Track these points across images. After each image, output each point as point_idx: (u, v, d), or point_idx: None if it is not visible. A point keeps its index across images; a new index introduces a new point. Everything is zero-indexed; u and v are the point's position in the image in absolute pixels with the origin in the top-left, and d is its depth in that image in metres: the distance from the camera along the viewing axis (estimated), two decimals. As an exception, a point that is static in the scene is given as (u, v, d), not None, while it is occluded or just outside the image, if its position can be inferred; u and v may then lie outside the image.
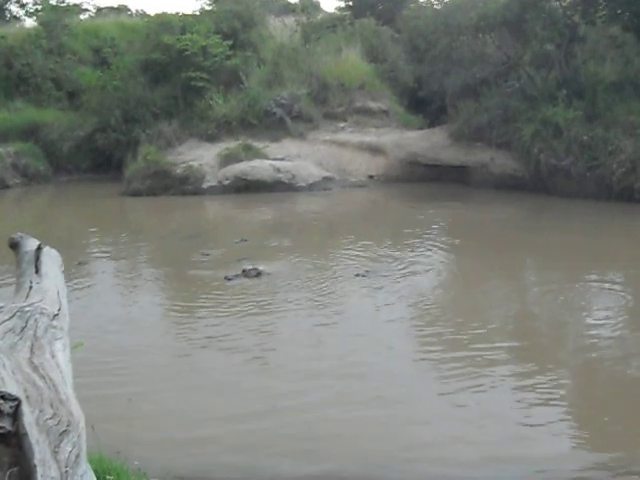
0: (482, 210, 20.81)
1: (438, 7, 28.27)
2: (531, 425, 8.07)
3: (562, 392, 9.03)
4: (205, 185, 23.70)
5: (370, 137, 25.57)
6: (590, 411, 8.72)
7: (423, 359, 10.07)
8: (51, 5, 33.04)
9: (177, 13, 28.98)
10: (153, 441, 7.83)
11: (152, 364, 10.07)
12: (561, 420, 8.33)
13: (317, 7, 38.69)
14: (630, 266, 14.83)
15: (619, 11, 22.59)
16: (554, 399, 8.75)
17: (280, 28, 30.59)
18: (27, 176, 26.30)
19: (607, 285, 13.46)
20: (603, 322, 11.43)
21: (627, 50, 21.83)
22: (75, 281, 13.79)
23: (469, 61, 23.86)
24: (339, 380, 9.28)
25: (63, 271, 3.71)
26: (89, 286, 13.99)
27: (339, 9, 36.92)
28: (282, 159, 24.35)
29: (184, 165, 24.10)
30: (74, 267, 14.85)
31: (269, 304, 12.58)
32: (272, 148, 24.75)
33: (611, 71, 21.50)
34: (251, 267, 14.15)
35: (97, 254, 17.13)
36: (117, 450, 6.52)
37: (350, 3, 36.14)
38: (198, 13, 30.89)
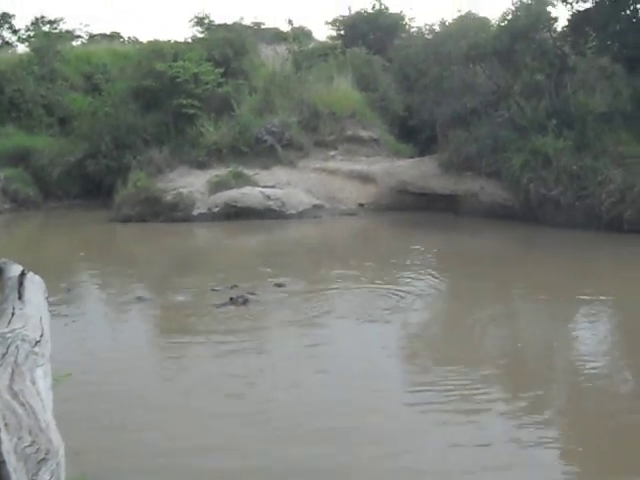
0: (472, 239, 20.89)
1: (429, 36, 28.40)
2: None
3: (554, 431, 8.98)
4: (195, 212, 23.68)
5: (360, 165, 25.63)
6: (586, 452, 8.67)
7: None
8: (44, 32, 33.20)
9: (169, 40, 29.09)
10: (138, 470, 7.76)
11: (139, 391, 10.00)
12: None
13: (309, 36, 38.90)
14: (618, 295, 14.84)
15: (609, 42, 22.78)
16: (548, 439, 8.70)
17: (272, 56, 30.73)
18: (17, 201, 26.26)
19: (596, 314, 13.48)
20: (593, 352, 11.44)
21: (616, 81, 21.97)
22: (62, 307, 13.73)
23: (459, 90, 23.95)
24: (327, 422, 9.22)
25: (47, 297, 3.68)
26: (77, 313, 13.91)
27: (331, 38, 37.15)
28: (272, 187, 24.37)
29: (174, 192, 24.09)
30: (62, 293, 14.81)
31: (256, 331, 12.56)
32: (262, 175, 24.77)
33: (601, 102, 21.58)
34: (239, 295, 14.11)
35: (85, 280, 17.09)
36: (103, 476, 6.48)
37: (342, 32, 36.36)
38: (190, 40, 31.05)
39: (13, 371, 2.61)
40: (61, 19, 38.53)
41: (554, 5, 23.94)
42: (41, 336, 3.03)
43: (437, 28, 28.02)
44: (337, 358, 11.10)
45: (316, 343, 11.91)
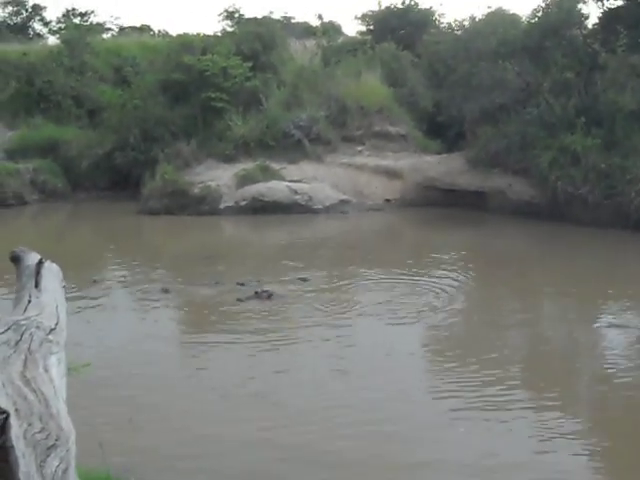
0: (499, 237, 20.78)
1: (459, 32, 28.29)
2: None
3: (579, 427, 8.94)
4: (222, 205, 23.74)
5: (387, 161, 25.57)
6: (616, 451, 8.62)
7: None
8: (74, 24, 33.38)
9: (198, 34, 29.13)
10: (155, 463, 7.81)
11: (159, 383, 10.06)
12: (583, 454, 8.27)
13: (339, 30, 38.82)
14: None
15: (634, 39, 22.53)
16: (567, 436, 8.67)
17: (300, 50, 30.72)
18: (45, 193, 26.40)
19: (622, 316, 13.40)
20: (619, 355, 11.39)
21: (646, 79, 21.75)
22: (89, 299, 13.83)
23: (488, 87, 23.79)
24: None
25: (64, 286, 3.70)
26: (102, 304, 14.01)
27: (360, 33, 37.03)
28: (299, 181, 24.39)
29: (201, 185, 24.17)
30: (89, 284, 14.92)
31: (279, 327, 12.59)
32: (289, 170, 24.78)
33: (631, 100, 21.35)
34: (263, 289, 14.14)
35: (112, 272, 17.18)
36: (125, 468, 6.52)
37: (371, 27, 36.24)
38: (219, 34, 31.11)
39: (26, 358, 2.63)
40: (92, 12, 38.86)
41: (585, 2, 23.78)
42: (56, 324, 3.05)
43: (467, 24, 27.95)
44: (360, 357, 11.08)
45: (339, 341, 11.90)
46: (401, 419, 8.87)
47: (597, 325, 13.26)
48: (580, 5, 23.69)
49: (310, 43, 31.59)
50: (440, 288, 14.84)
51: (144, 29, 41.73)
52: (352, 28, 41.18)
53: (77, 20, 34.18)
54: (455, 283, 15.37)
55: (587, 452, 8.31)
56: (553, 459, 7.96)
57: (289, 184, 24.09)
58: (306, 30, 36.89)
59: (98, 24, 37.86)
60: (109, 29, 40.45)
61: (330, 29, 34.80)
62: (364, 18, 37.38)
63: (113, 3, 74.75)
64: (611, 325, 13.03)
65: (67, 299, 3.66)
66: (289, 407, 9.26)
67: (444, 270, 16.50)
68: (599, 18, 24.32)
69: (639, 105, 21.31)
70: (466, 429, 8.59)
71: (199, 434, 8.38)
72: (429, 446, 8.30)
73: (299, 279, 15.40)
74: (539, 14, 23.96)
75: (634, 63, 22.13)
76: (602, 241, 19.47)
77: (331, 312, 13.34)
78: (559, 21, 22.98)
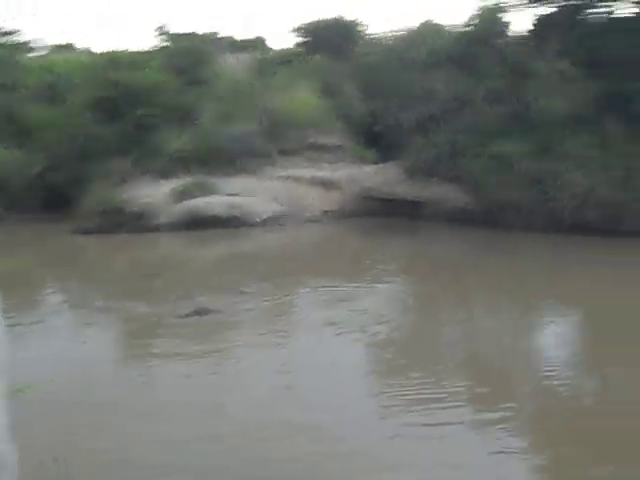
0: (435, 244, 21.01)
1: (391, 43, 28.53)
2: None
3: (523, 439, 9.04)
4: (159, 222, 23.51)
5: (324, 172, 25.63)
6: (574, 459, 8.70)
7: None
8: (1, 43, 32.79)
9: (128, 50, 28.89)
10: None
11: (98, 404, 9.90)
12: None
13: (263, 44, 38.73)
14: (582, 298, 14.96)
15: (570, 47, 22.94)
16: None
17: (234, 64, 30.64)
18: (-23, 215, 25.83)
19: (558, 317, 13.60)
20: (554, 356, 11.53)
21: (576, 85, 22.11)
22: (24, 321, 13.57)
23: (421, 96, 24.06)
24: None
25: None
26: (37, 327, 13.74)
27: (294, 45, 37.04)
28: (236, 195, 24.28)
29: (137, 202, 23.92)
30: (24, 305, 14.66)
31: (220, 343, 12.49)
32: (226, 184, 24.66)
33: (561, 106, 21.75)
34: (203, 305, 14.04)
35: (47, 294, 16.90)
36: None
37: (304, 39, 36.27)
38: (151, 50, 30.87)
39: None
40: (18, 31, 38.10)
41: (510, 11, 24.22)
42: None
43: (399, 35, 28.20)
44: (303, 371, 11.01)
45: (282, 355, 11.84)
46: (343, 436, 8.82)
47: (536, 328, 13.44)
48: (505, 14, 24.11)
49: (243, 57, 31.53)
50: (381, 297, 14.89)
51: (68, 47, 41.12)
52: (282, 42, 41.18)
53: (4, 39, 33.44)
54: (395, 292, 15.46)
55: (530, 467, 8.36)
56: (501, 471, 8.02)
57: (226, 198, 23.97)
58: (238, 44, 36.77)
59: (25, 43, 37.17)
60: (35, 48, 39.71)
61: (260, 43, 34.77)
62: (298, 30, 37.43)
63: (33, 22, 73.30)
64: (548, 328, 13.25)
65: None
66: (233, 424, 9.17)
67: (384, 279, 16.58)
68: (534, 25, 24.69)
69: (569, 111, 21.70)
70: (408, 444, 8.57)
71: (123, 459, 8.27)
72: (372, 463, 8.24)
73: (239, 293, 15.32)
74: (468, 25, 24.35)
75: (563, 69, 22.53)
76: (536, 246, 19.79)
77: (272, 326, 13.28)
78: (484, 30, 23.32)
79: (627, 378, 10.66)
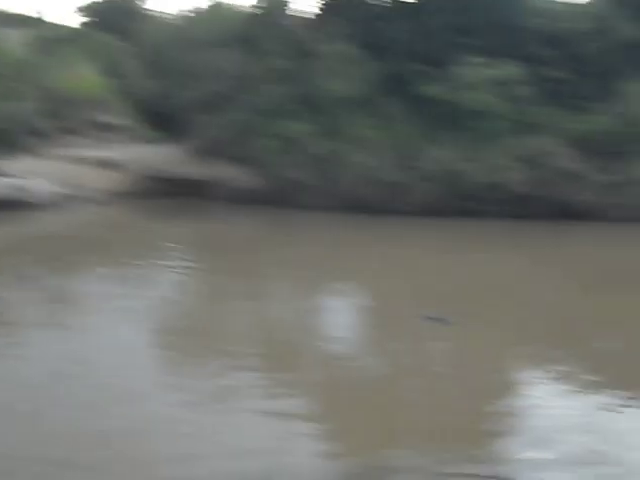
0: (223, 224, 20.91)
1: (176, 23, 28.23)
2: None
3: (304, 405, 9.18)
4: None
5: (109, 152, 24.97)
6: (330, 423, 8.89)
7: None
8: None
9: None
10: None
11: None
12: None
13: (43, 21, 37.30)
14: (363, 274, 15.43)
15: (352, 29, 23.45)
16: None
17: (8, 40, 29.26)
18: None
19: (343, 294, 13.94)
20: (336, 333, 11.82)
21: (357, 66, 22.69)
22: None
23: (207, 76, 23.93)
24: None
25: None
26: None
27: (80, 24, 35.93)
28: (16, 176, 23.25)
29: None
30: None
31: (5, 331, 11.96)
32: (5, 165, 23.56)
33: (342, 87, 22.24)
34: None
35: None
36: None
37: (90, 19, 35.28)
38: None
39: None
40: None
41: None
42: None
43: (185, 15, 27.95)
44: (94, 355, 10.64)
45: (70, 340, 11.41)
46: (129, 416, 8.65)
47: (320, 303, 13.72)
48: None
49: (20, 33, 30.18)
50: (170, 278, 14.70)
51: None
52: (66, 20, 39.86)
53: None
54: (184, 272, 15.29)
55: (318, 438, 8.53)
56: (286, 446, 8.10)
57: (6, 180, 22.90)
58: (9, 18, 35.12)
59: None
60: None
61: (38, 19, 33.44)
62: (84, 10, 36.33)
63: None
64: (327, 303, 13.57)
65: None
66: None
67: (171, 261, 16.37)
68: (320, 8, 25.08)
69: (352, 92, 22.24)
70: (198, 422, 8.52)
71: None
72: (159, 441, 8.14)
73: (21, 277, 14.70)
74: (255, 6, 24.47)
75: (347, 52, 23.02)
76: (323, 224, 20.15)
77: (59, 311, 12.83)
78: (271, 12, 23.50)
79: (405, 351, 11.13)
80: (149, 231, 20.62)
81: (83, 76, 26.23)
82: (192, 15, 28.03)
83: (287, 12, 24.99)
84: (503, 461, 7.74)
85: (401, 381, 9.89)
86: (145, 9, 34.30)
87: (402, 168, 20.97)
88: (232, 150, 22.96)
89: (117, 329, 11.70)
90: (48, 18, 37.21)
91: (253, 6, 25.56)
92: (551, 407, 9.05)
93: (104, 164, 24.50)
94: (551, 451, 7.84)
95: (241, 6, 27.05)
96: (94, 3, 35.70)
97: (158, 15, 34.21)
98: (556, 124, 21.32)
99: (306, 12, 25.48)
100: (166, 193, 23.42)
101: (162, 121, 26.45)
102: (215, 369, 10.04)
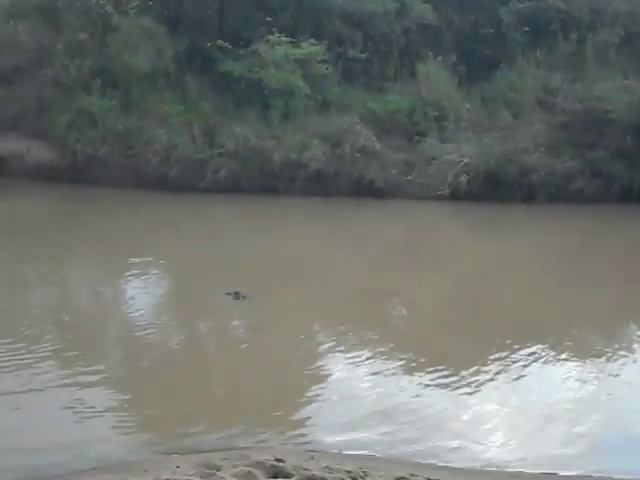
0: (18, 202, 20.12)
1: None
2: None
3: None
4: None
5: None
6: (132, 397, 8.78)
7: None
8: None
9: None
10: None
11: None
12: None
13: None
14: (169, 254, 15.30)
15: (150, 3, 23.07)
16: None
17: None
18: None
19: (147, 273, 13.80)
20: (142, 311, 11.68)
21: (159, 41, 22.35)
22: None
23: (1, 48, 22.91)
24: None
25: None
26: None
27: None
28: None
29: None
30: None
31: None
32: None
33: (144, 62, 21.88)
34: None
35: None
36: None
37: None
38: None
39: None
40: None
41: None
42: None
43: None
44: None
45: None
46: None
47: (121, 281, 13.51)
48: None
49: None
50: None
51: None
52: None
53: None
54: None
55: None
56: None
57: None
58: None
59: None
60: None
61: None
62: None
63: None
64: (134, 282, 13.37)
65: None
66: None
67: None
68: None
69: (152, 67, 21.92)
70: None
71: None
72: None
73: None
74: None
75: (146, 25, 22.62)
76: (123, 201, 19.72)
77: None
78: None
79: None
80: None
81: None
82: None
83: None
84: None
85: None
86: None
87: (205, 145, 20.86)
88: (30, 125, 22.11)
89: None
90: None
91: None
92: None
93: None
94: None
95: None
96: None
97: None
98: (356, 103, 21.80)
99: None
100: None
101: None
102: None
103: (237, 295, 11.68)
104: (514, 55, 22.85)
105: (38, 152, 21.99)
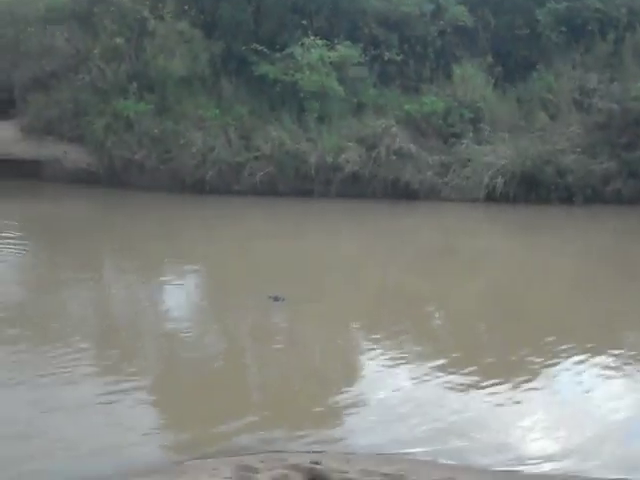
0: (57, 206, 20.34)
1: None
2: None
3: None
4: None
5: None
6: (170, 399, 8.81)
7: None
8: None
9: None
10: None
11: None
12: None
13: None
14: (206, 256, 15.33)
15: (186, 7, 23.18)
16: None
17: None
18: None
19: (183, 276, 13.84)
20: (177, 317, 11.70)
21: (194, 46, 22.47)
22: None
23: (38, 53, 23.19)
24: None
25: None
26: None
27: None
28: None
29: None
30: None
31: None
32: None
33: (180, 66, 22.01)
34: None
35: None
36: None
37: None
38: None
39: None
40: None
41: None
42: None
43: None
44: None
45: None
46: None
47: (160, 285, 13.55)
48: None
49: None
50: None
51: None
52: None
53: None
54: (20, 259, 14.74)
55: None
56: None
57: None
58: None
59: None
60: None
61: None
62: None
63: None
64: (170, 286, 13.40)
65: None
66: None
67: (4, 243, 15.69)
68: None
69: (188, 71, 22.04)
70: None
71: None
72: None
73: None
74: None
75: (182, 30, 22.74)
76: (160, 205, 19.89)
77: None
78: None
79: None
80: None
81: None
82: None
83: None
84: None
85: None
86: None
87: (241, 148, 20.92)
88: (67, 129, 22.45)
89: None
90: None
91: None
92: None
93: None
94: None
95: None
96: None
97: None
98: (391, 105, 21.72)
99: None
100: (-2, 174, 22.53)
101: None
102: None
103: (276, 298, 11.65)
104: (550, 56, 22.61)
105: (75, 156, 22.24)
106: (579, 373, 9.56)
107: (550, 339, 10.49)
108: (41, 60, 22.95)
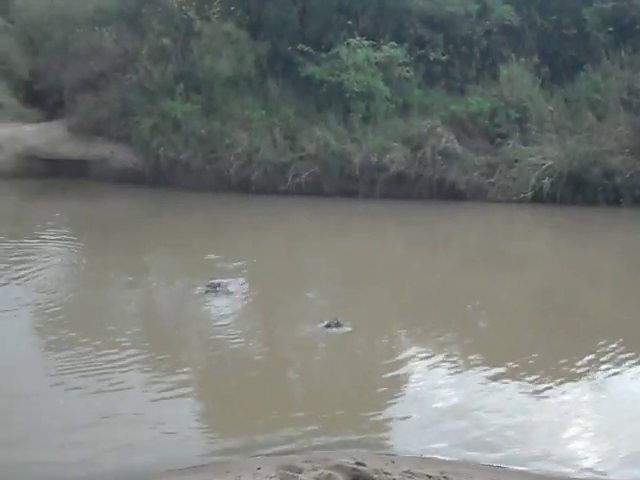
0: (104, 205, 20.60)
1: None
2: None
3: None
4: None
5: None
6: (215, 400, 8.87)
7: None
8: None
9: None
10: None
11: None
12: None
13: None
14: (249, 255, 15.35)
15: (232, 8, 23.27)
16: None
17: None
18: None
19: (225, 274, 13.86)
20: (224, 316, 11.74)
21: (241, 46, 22.56)
22: None
23: (86, 54, 23.44)
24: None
25: None
26: None
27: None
28: None
29: None
30: None
31: None
32: None
33: (226, 66, 22.12)
34: None
35: None
36: None
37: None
38: None
39: None
40: None
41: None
42: None
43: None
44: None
45: None
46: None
47: (204, 288, 13.60)
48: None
49: None
50: (52, 262, 14.24)
51: None
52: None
53: None
54: (68, 256, 14.89)
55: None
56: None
57: None
58: None
59: None
60: None
61: None
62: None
63: None
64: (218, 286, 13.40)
65: None
66: None
67: (52, 242, 15.89)
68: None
69: (234, 72, 22.14)
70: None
71: None
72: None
73: None
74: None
75: (228, 30, 22.84)
76: (205, 204, 20.01)
77: None
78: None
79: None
80: (30, 211, 20.16)
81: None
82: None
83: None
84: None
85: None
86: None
87: (286, 149, 20.98)
88: (114, 129, 22.68)
89: None
90: None
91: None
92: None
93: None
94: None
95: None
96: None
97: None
98: (437, 105, 21.64)
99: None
100: (45, 173, 22.92)
101: (39, 99, 25.73)
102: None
103: (329, 325, 11.22)
104: (598, 56, 22.33)
105: (122, 156, 22.47)
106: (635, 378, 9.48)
107: (603, 344, 10.32)
108: (89, 61, 23.18)
